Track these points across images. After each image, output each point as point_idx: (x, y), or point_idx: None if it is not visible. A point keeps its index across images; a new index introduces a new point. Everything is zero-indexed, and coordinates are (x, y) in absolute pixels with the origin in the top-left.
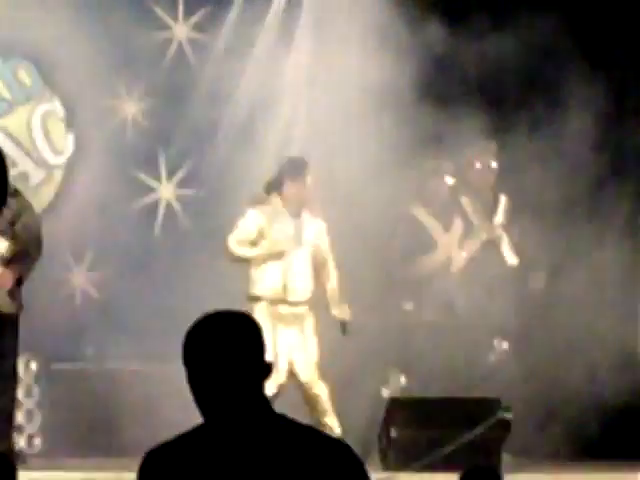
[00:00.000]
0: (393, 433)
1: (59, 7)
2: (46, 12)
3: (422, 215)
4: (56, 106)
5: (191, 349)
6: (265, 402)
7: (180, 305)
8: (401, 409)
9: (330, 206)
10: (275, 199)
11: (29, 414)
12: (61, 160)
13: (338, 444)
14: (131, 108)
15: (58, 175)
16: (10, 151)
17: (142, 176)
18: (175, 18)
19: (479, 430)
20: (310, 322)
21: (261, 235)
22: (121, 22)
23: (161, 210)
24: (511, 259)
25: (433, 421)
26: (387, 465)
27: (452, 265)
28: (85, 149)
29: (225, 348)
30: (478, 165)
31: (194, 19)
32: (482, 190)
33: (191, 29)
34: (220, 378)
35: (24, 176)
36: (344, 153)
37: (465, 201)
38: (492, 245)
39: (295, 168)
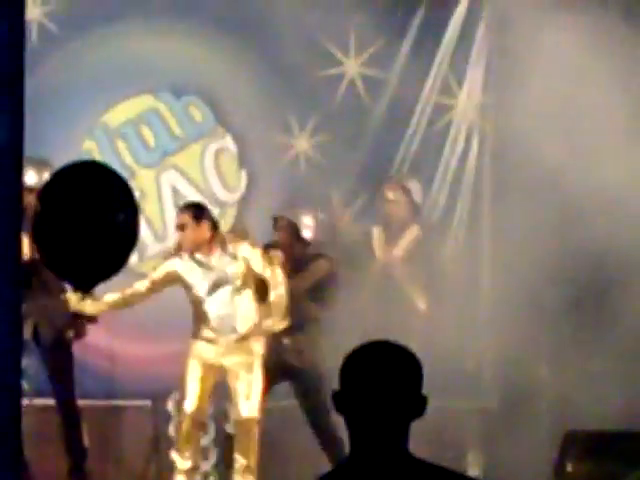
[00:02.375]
0: (569, 468)
1: (231, 44)
2: (217, 50)
3: None
4: (228, 143)
5: (355, 375)
6: (406, 442)
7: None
8: (577, 443)
9: None
10: None
11: (205, 452)
12: (234, 197)
13: None
14: (303, 144)
15: (231, 212)
16: (182, 188)
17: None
18: (346, 54)
19: None
20: None
21: None
22: (292, 58)
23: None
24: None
25: (610, 455)
26: None
27: None
28: (258, 186)
29: (391, 380)
30: (391, 196)
31: (366, 55)
32: (392, 222)
33: (363, 65)
34: (382, 410)
35: None
36: None
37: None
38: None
39: None
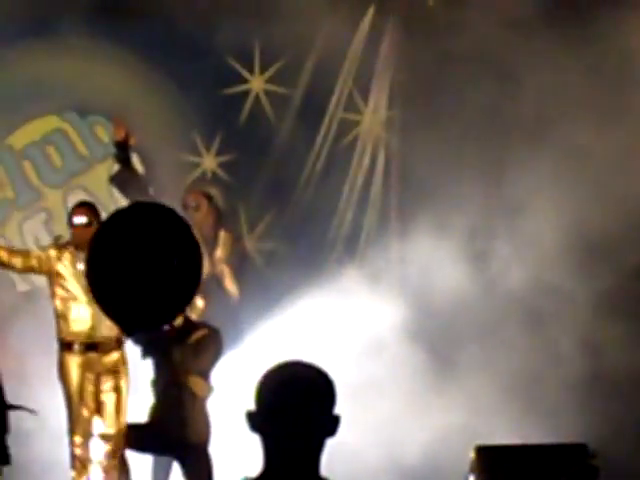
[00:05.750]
0: None
1: (135, 63)
2: (122, 68)
3: None
4: (135, 162)
5: (269, 395)
6: (319, 461)
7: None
8: (485, 457)
9: None
10: None
11: None
12: None
13: None
14: (210, 162)
15: None
16: None
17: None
18: (251, 71)
19: (565, 477)
20: None
21: None
22: (197, 76)
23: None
24: (233, 291)
25: (518, 469)
26: None
27: None
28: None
29: (304, 400)
30: (192, 204)
31: (271, 71)
32: (203, 227)
33: (268, 82)
34: (294, 430)
35: None
36: None
37: None
38: (215, 280)
39: None
